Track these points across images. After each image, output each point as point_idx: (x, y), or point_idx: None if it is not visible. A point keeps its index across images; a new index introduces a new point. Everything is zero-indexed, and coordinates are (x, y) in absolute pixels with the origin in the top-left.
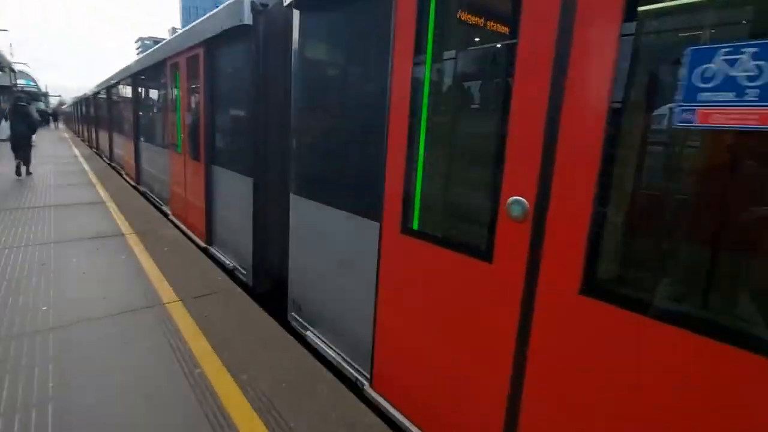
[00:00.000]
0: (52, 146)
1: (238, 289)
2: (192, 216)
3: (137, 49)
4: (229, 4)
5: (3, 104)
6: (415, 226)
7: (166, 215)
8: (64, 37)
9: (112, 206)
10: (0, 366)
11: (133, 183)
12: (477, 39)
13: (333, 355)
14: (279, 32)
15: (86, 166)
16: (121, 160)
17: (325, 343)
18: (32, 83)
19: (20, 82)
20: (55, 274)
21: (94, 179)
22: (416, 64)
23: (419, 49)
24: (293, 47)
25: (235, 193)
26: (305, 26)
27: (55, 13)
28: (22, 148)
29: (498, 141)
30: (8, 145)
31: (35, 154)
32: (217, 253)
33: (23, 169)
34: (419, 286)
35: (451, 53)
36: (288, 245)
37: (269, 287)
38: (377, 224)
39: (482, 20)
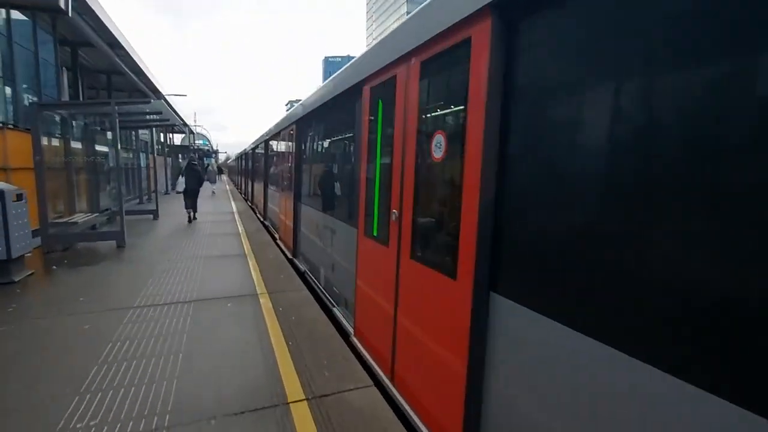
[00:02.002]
0: (215, 200)
1: None
2: (417, 369)
3: (286, 109)
4: None
5: (181, 160)
6: None
7: (344, 334)
8: (232, 104)
9: (265, 305)
10: None
11: (289, 255)
12: None
13: None
14: None
15: (240, 227)
16: (275, 219)
17: None
18: (207, 143)
19: (198, 141)
20: None
21: (246, 246)
22: None
23: None
24: None
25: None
26: None
27: (226, 86)
28: (191, 198)
29: None
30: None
31: (214, 207)
32: None
33: (192, 215)
34: None
35: None
36: None
37: None
38: None
39: None
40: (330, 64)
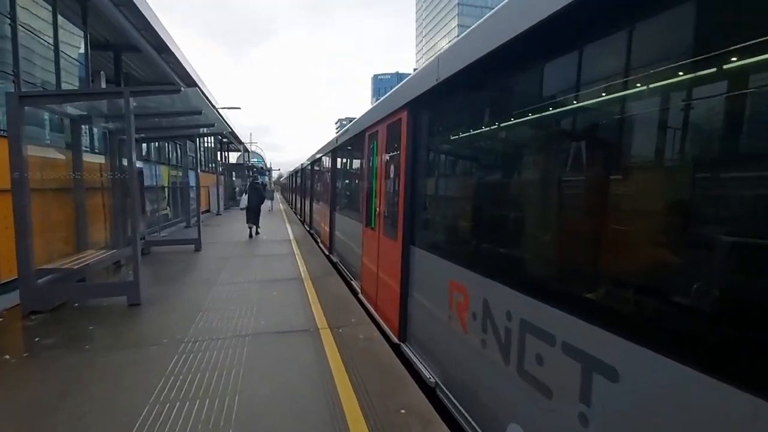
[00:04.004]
0: (271, 220)
1: None
2: None
3: (336, 128)
4: None
5: (235, 178)
6: None
7: None
8: (285, 124)
9: None
10: None
11: (393, 337)
12: None
13: None
14: None
15: (301, 265)
16: (351, 260)
17: None
18: (261, 161)
19: (253, 160)
20: None
21: (314, 306)
22: None
23: None
24: None
25: None
26: None
27: (279, 108)
28: (254, 215)
29: None
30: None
31: (269, 232)
32: None
33: (254, 230)
34: None
35: None
36: None
37: None
38: None
39: None
40: (379, 82)
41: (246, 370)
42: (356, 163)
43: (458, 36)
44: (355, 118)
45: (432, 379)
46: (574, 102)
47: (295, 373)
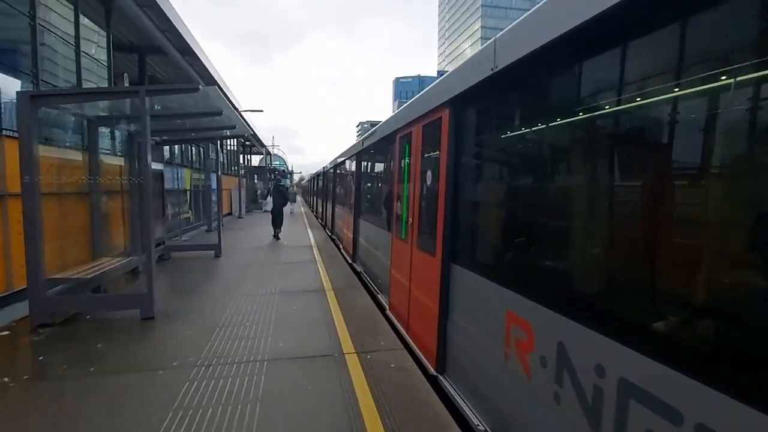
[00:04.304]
0: (292, 225)
1: None
2: None
3: (357, 131)
4: None
5: (257, 181)
6: None
7: None
8: (307, 127)
9: None
10: None
11: (429, 368)
12: None
13: None
14: None
15: (323, 273)
16: (375, 269)
17: None
18: (283, 164)
19: (275, 162)
20: None
21: (337, 321)
22: None
23: None
24: None
25: None
26: None
27: (302, 111)
28: (278, 217)
29: None
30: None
31: (290, 237)
32: None
33: (277, 233)
34: None
35: None
36: None
37: None
38: None
39: None
40: (401, 85)
41: (262, 407)
42: (385, 168)
43: (482, 39)
44: (376, 122)
45: (481, 427)
46: (719, 81)
47: (318, 413)
